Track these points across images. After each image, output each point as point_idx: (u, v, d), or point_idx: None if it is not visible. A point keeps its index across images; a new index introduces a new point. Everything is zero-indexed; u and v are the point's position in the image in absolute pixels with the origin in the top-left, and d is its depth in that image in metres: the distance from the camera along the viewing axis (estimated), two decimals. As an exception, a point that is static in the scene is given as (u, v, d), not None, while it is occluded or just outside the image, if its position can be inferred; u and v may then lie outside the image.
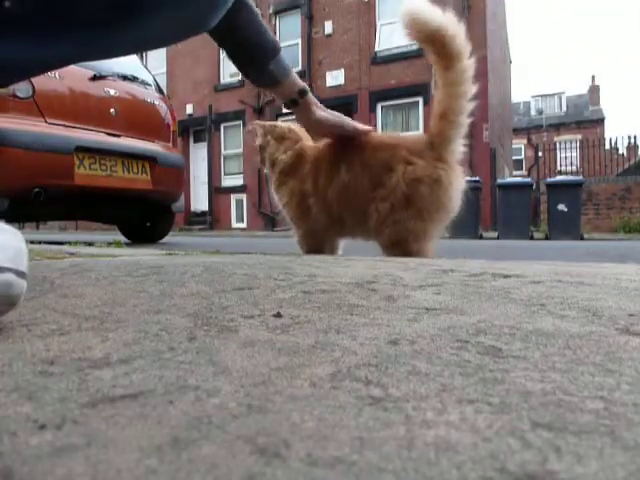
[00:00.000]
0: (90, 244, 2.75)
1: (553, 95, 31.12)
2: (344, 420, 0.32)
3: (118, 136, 4.36)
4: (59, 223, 15.03)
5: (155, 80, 5.23)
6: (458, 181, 1.53)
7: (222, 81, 14.60)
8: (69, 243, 2.75)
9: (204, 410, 0.34)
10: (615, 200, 10.46)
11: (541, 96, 31.22)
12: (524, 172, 19.65)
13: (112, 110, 4.33)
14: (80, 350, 0.48)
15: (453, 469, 0.26)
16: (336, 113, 1.62)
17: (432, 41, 1.47)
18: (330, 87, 12.62)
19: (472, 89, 1.51)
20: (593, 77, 30.90)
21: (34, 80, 3.63)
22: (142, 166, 4.55)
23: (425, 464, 0.26)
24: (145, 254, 1.65)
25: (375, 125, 12.20)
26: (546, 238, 8.09)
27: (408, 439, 0.29)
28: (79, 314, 0.63)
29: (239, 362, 0.44)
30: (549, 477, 0.25)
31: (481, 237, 8.27)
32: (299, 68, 12.87)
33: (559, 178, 9.04)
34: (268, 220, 13.09)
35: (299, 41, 13.18)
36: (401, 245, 1.53)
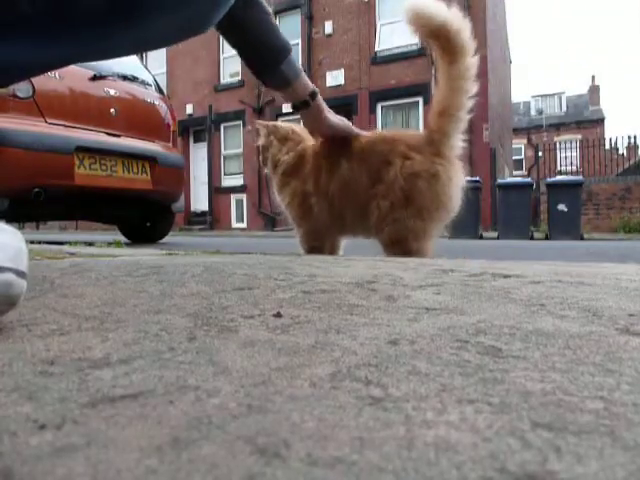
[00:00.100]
0: (90, 244, 2.75)
1: (553, 95, 31.12)
2: (344, 420, 0.32)
3: (118, 136, 4.36)
4: (59, 223, 15.03)
5: (155, 80, 5.23)
6: (457, 177, 1.53)
7: (222, 81, 14.60)
8: (69, 243, 2.75)
9: (204, 410, 0.34)
10: (615, 200, 10.46)
11: (541, 96, 31.22)
12: (524, 172, 19.65)
13: (112, 110, 4.33)
14: (80, 350, 0.48)
15: (453, 469, 0.26)
16: (342, 118, 1.64)
17: (437, 36, 1.47)
18: (330, 87, 12.62)
19: (473, 87, 1.51)
20: (593, 77, 30.91)
21: (34, 80, 3.63)
22: (142, 166, 4.55)
23: (425, 464, 0.26)
24: (145, 254, 1.65)
25: (375, 125, 12.21)
26: (546, 238, 8.09)
27: (408, 439, 0.29)
28: (79, 314, 0.63)
29: (239, 362, 0.44)
30: (549, 477, 0.25)
31: (481, 237, 8.27)
32: (299, 68, 12.87)
33: (559, 178, 9.04)
34: (268, 220, 13.10)
35: (299, 41, 13.17)
36: (401, 244, 1.53)
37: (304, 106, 1.54)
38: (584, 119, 28.40)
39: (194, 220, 14.74)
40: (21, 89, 3.68)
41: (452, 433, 0.30)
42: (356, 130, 1.64)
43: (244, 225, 14.09)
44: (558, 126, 27.93)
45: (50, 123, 3.87)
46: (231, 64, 14.22)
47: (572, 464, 0.26)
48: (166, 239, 5.73)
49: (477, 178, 8.34)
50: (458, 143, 1.55)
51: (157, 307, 0.67)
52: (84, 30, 0.78)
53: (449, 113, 1.50)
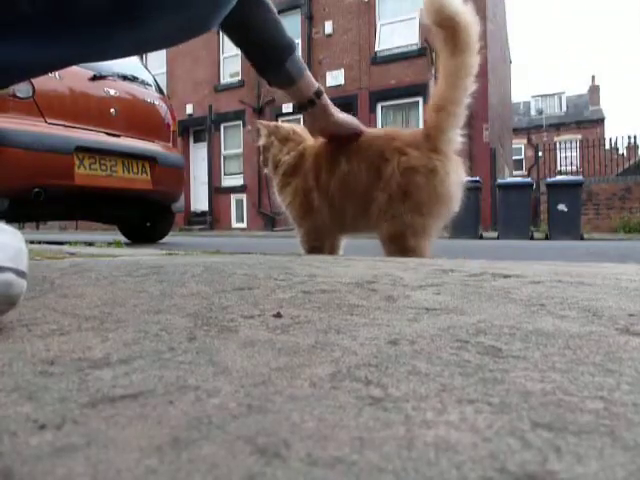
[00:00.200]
0: (90, 244, 2.75)
1: (553, 95, 31.13)
2: (344, 420, 0.32)
3: (118, 136, 4.36)
4: (59, 223, 15.03)
5: (155, 80, 5.23)
6: (456, 172, 1.52)
7: (222, 81, 14.60)
8: (69, 243, 2.75)
9: (204, 410, 0.34)
10: (615, 200, 10.46)
11: (541, 96, 31.24)
12: (524, 172, 19.65)
13: (112, 110, 4.33)
14: (80, 350, 0.48)
15: (453, 469, 0.26)
16: (348, 115, 1.63)
17: (445, 26, 1.46)
18: (330, 87, 12.61)
19: (472, 85, 1.50)
20: (593, 77, 30.93)
21: (34, 80, 3.63)
22: (142, 166, 4.55)
23: (425, 464, 0.26)
24: (145, 254, 1.65)
25: (375, 125, 12.20)
26: (546, 238, 8.10)
27: (408, 439, 0.29)
28: (79, 314, 0.63)
29: (239, 362, 0.44)
30: (549, 477, 0.25)
31: (481, 237, 8.27)
32: (299, 68, 12.88)
33: (559, 178, 9.04)
34: (268, 220, 13.10)
35: (299, 41, 13.17)
36: (399, 240, 1.52)
37: (310, 105, 1.53)
38: (584, 119, 28.41)
39: (194, 220, 14.74)
40: (21, 89, 3.68)
41: (452, 433, 0.30)
42: (363, 127, 1.63)
43: (244, 225, 14.09)
44: (558, 126, 27.94)
45: (50, 123, 3.87)
46: (231, 64, 14.23)
47: (572, 464, 0.26)
48: (166, 239, 5.73)
49: (477, 178, 8.34)
50: (456, 138, 1.54)
51: (157, 307, 0.67)
52: (84, 30, 0.78)
53: (445, 108, 1.50)
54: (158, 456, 0.27)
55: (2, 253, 0.53)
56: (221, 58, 14.49)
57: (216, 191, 14.42)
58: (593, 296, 0.72)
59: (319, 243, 1.74)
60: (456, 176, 1.51)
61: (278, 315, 0.62)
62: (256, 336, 0.53)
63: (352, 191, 1.58)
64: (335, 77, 12.94)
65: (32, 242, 2.43)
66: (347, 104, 12.25)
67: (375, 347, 0.49)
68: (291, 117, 12.62)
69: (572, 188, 8.10)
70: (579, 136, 22.95)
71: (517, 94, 75.85)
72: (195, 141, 15.25)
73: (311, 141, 1.76)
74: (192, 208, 14.95)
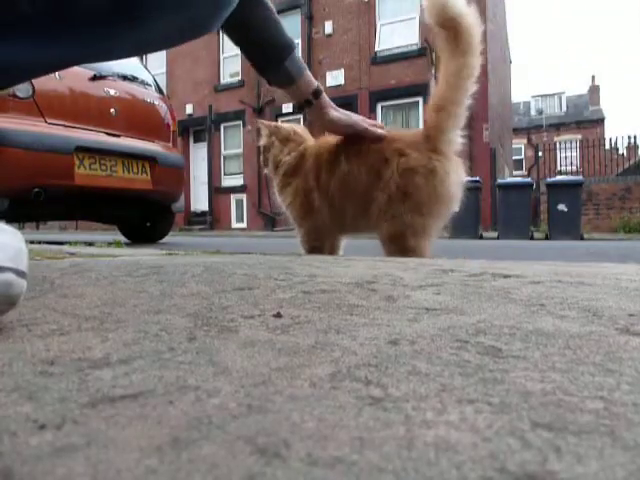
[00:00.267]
0: (90, 244, 2.75)
1: (553, 95, 31.14)
2: (344, 420, 0.32)
3: (118, 136, 4.36)
4: (59, 223, 15.03)
5: (155, 80, 5.23)
6: (456, 172, 1.52)
7: (222, 81, 14.60)
8: (69, 243, 2.75)
9: (204, 410, 0.34)
10: (615, 200, 10.47)
11: (541, 96, 31.24)
12: (524, 172, 19.66)
13: (112, 110, 4.33)
14: (80, 350, 0.48)
15: (453, 469, 0.26)
16: (348, 112, 1.62)
17: (447, 27, 1.45)
18: (330, 87, 12.62)
19: (472, 86, 1.50)
20: (593, 77, 30.93)
21: (34, 80, 3.63)
22: (142, 166, 4.55)
23: (425, 464, 0.26)
24: (145, 254, 1.65)
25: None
26: (546, 238, 8.10)
27: (408, 439, 0.29)
28: (79, 314, 0.63)
29: (239, 362, 0.44)
30: (549, 477, 0.25)
31: (481, 237, 8.27)
32: (299, 68, 12.88)
33: (559, 178, 9.05)
34: (268, 220, 13.10)
35: (299, 41, 13.17)
36: (399, 240, 1.52)
37: (307, 105, 1.53)
38: (584, 119, 28.42)
39: (194, 220, 14.74)
40: (21, 89, 3.69)
41: (452, 433, 0.30)
42: (362, 123, 1.60)
43: (244, 225, 14.09)
44: (558, 126, 27.94)
45: (50, 123, 3.87)
46: (231, 64, 14.23)
47: (572, 464, 0.26)
48: (166, 239, 5.73)
49: (477, 178, 8.34)
50: (456, 139, 1.54)
51: (157, 307, 0.67)
52: (85, 31, 0.78)
53: (446, 109, 1.50)
54: (158, 456, 0.27)
55: (2, 253, 0.53)
56: (221, 58, 14.49)
57: (216, 191, 14.42)
58: (593, 296, 0.72)
59: (319, 243, 1.74)
60: (456, 176, 1.51)
61: (278, 315, 0.62)
62: (256, 336, 0.53)
63: (352, 191, 1.58)
64: (335, 77, 12.94)
65: (32, 242, 2.43)
66: (347, 104, 12.24)
67: (375, 347, 0.49)
68: (291, 117, 12.62)
69: (572, 188, 8.10)
70: (579, 136, 22.96)
71: (517, 94, 75.87)
72: (195, 141, 15.25)
73: (312, 141, 1.76)
74: (192, 208, 14.95)
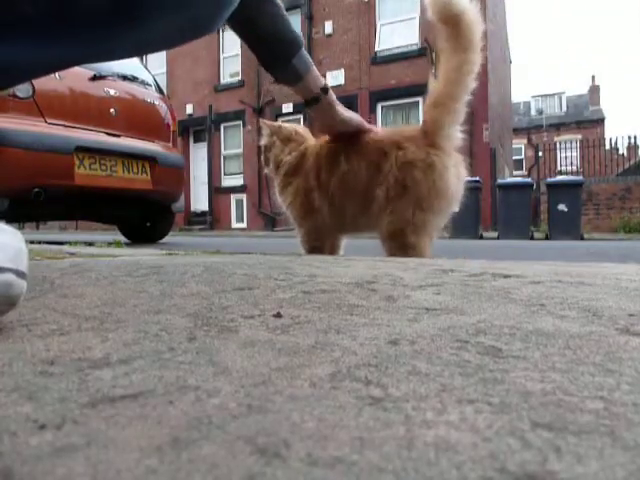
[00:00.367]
0: (90, 244, 2.75)
1: (553, 95, 31.14)
2: (344, 420, 0.32)
3: (118, 136, 4.36)
4: (59, 223, 15.03)
5: (155, 80, 5.23)
6: (456, 168, 1.51)
7: (222, 81, 14.61)
8: (69, 243, 2.75)
9: (204, 410, 0.34)
10: (615, 200, 10.47)
11: (541, 96, 31.25)
12: (524, 172, 19.65)
13: (112, 110, 4.34)
14: (80, 350, 0.48)
15: (453, 469, 0.26)
16: (353, 112, 1.62)
17: (449, 23, 1.45)
18: (330, 87, 12.62)
19: (471, 83, 1.50)
20: (593, 77, 30.94)
21: (34, 80, 3.63)
22: (142, 166, 4.55)
23: (425, 464, 0.26)
24: (145, 254, 1.65)
25: (375, 125, 12.21)
26: (546, 238, 8.10)
27: (408, 439, 0.29)
28: (79, 314, 0.63)
29: (239, 362, 0.44)
30: (549, 477, 0.25)
31: (481, 237, 8.28)
32: (299, 68, 12.89)
33: (559, 178, 9.05)
34: (268, 220, 13.10)
35: (299, 41, 13.18)
36: (398, 236, 1.52)
37: (315, 101, 1.52)
38: (584, 119, 28.42)
39: (194, 220, 14.74)
40: (21, 89, 3.69)
41: (452, 433, 0.30)
42: (367, 125, 1.62)
43: (244, 225, 14.10)
44: (558, 126, 27.94)
45: (50, 123, 3.88)
46: (231, 64, 14.23)
47: (572, 464, 0.26)
48: (166, 239, 5.73)
49: (477, 178, 8.34)
50: (455, 135, 1.53)
51: (157, 307, 0.67)
52: (85, 31, 0.78)
53: (443, 104, 1.49)
54: (158, 456, 0.27)
55: (2, 253, 0.53)
56: (221, 58, 14.50)
57: (216, 191, 14.42)
58: (593, 296, 0.72)
59: (319, 243, 1.74)
60: (455, 171, 1.50)
61: (278, 315, 0.62)
62: (256, 336, 0.53)
63: (352, 189, 1.58)
64: (335, 77, 12.94)
65: (32, 242, 2.43)
66: (347, 104, 12.13)
67: (375, 347, 0.49)
68: (291, 117, 12.62)
69: (572, 188, 8.11)
70: (579, 136, 22.97)
71: (517, 94, 75.86)
72: (195, 141, 15.25)
73: (312, 141, 1.76)
74: (192, 208, 14.95)
